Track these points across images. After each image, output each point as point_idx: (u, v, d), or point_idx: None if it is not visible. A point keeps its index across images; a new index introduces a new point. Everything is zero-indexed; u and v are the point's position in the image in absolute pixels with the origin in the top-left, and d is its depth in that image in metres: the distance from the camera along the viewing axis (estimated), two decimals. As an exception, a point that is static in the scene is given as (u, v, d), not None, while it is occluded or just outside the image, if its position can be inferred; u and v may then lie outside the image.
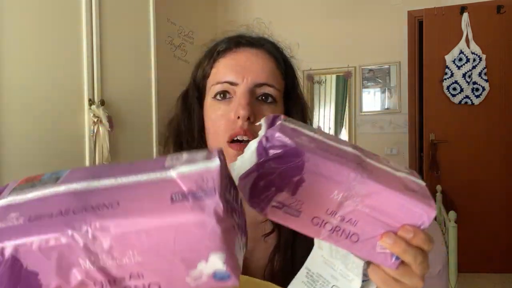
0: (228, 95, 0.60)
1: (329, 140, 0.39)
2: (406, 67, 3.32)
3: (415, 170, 3.39)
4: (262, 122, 0.40)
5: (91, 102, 1.60)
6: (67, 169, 0.33)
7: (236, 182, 0.36)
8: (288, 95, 0.65)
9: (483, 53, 2.99)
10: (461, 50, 3.03)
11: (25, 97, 1.37)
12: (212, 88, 0.61)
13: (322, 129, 0.43)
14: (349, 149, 0.38)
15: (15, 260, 0.27)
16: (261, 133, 0.38)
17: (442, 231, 2.29)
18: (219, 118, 0.60)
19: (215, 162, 0.29)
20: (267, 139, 0.36)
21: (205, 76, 0.65)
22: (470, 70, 3.01)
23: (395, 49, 3.34)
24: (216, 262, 0.27)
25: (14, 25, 1.34)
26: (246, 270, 0.61)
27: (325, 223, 0.37)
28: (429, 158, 3.15)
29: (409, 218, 0.37)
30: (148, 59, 2.04)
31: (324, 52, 3.53)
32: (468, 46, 3.01)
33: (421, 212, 0.37)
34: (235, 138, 0.57)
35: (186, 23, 2.94)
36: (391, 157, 3.35)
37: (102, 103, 1.65)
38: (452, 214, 1.96)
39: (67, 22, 1.54)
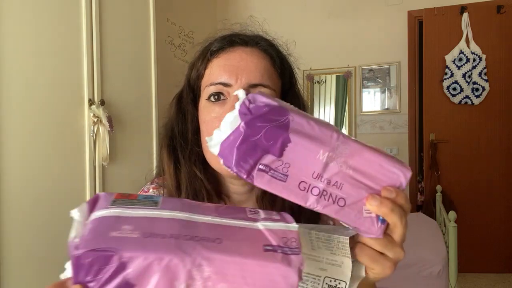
0: (222, 97, 0.58)
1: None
2: (406, 67, 3.32)
3: (415, 170, 3.40)
4: (239, 93, 0.41)
5: (91, 102, 1.60)
6: (150, 194, 0.42)
7: (215, 151, 0.37)
8: (285, 94, 0.64)
9: (483, 53, 2.99)
10: (461, 50, 3.03)
11: (25, 97, 1.37)
12: (206, 90, 0.60)
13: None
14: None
15: (123, 267, 0.29)
16: (239, 102, 0.38)
17: (442, 231, 2.30)
18: (213, 121, 0.58)
19: (294, 224, 0.35)
20: (249, 101, 0.37)
21: (199, 77, 0.63)
22: (470, 70, 3.01)
23: (395, 49, 3.34)
24: None
25: (14, 25, 1.34)
26: None
27: (312, 187, 0.37)
28: (429, 158, 3.15)
29: (389, 180, 0.38)
30: (148, 59, 2.04)
31: (324, 52, 3.53)
32: (468, 46, 3.01)
33: (398, 173, 0.38)
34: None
35: (186, 23, 2.94)
36: (391, 157, 3.36)
37: (102, 103, 1.65)
38: (452, 214, 1.96)
39: (67, 22, 1.54)
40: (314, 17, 3.57)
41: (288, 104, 0.39)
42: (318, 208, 0.37)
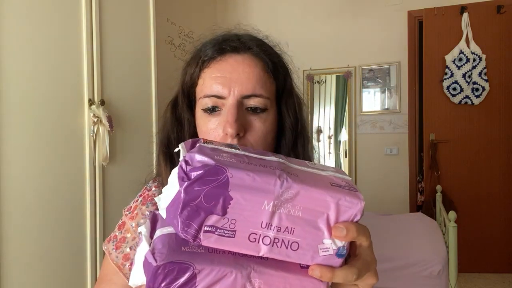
0: (217, 109, 0.59)
1: (251, 153, 0.40)
2: (406, 67, 3.32)
3: (415, 170, 3.40)
4: (180, 147, 0.40)
5: (91, 102, 1.60)
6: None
7: (164, 215, 0.38)
8: (280, 96, 0.63)
9: (483, 53, 3.00)
10: (461, 50, 3.03)
11: (25, 97, 1.37)
12: (201, 101, 0.60)
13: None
14: (273, 158, 0.40)
15: (193, 278, 0.35)
16: (181, 158, 0.38)
17: (442, 231, 2.30)
18: (209, 132, 0.59)
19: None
20: (186, 162, 0.36)
21: (193, 85, 0.63)
22: (470, 70, 3.01)
23: (395, 49, 3.34)
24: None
25: (14, 24, 1.34)
26: None
27: (263, 237, 0.36)
28: (429, 158, 3.15)
29: (341, 214, 0.37)
30: (148, 59, 2.04)
31: (324, 52, 3.53)
32: (468, 46, 3.01)
33: (349, 205, 0.37)
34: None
35: (186, 23, 2.94)
36: (391, 157, 3.36)
37: (102, 103, 1.65)
38: (452, 214, 1.96)
39: (67, 22, 1.54)
40: (314, 17, 3.57)
41: (227, 155, 0.38)
42: (273, 256, 0.37)
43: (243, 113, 0.58)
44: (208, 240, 0.36)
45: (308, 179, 0.38)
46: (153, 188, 0.68)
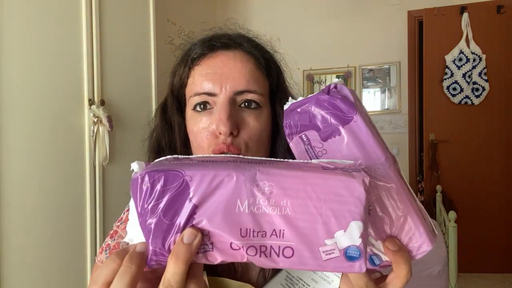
0: (208, 106, 0.55)
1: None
2: (406, 67, 3.32)
3: (415, 170, 3.39)
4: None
5: (91, 102, 1.60)
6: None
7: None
8: (274, 94, 0.60)
9: (483, 53, 2.99)
10: (461, 50, 3.03)
11: (25, 97, 1.37)
12: (191, 100, 0.57)
13: None
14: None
15: (186, 187, 0.29)
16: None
17: (442, 231, 2.29)
18: (201, 131, 0.55)
19: (350, 161, 0.33)
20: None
21: (183, 86, 0.60)
22: (470, 70, 3.01)
23: (395, 49, 3.34)
24: (353, 234, 0.29)
25: (13, 25, 1.34)
26: (242, 276, 0.61)
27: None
28: (429, 158, 3.15)
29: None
30: (148, 59, 2.04)
31: (324, 52, 3.53)
32: (468, 46, 3.01)
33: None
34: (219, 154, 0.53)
35: (186, 23, 2.94)
36: (391, 157, 3.36)
37: (102, 103, 1.65)
38: (452, 214, 1.96)
39: (67, 22, 1.54)
40: (314, 17, 3.57)
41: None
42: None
43: (236, 110, 0.55)
44: None
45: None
46: None
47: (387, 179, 0.35)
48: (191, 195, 0.30)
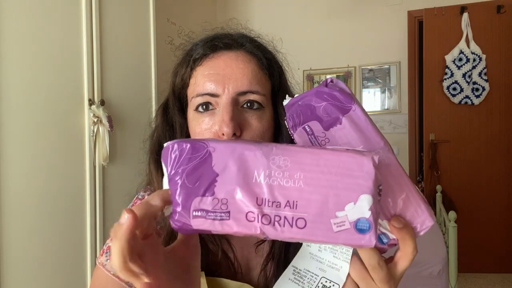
0: (210, 107, 0.55)
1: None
2: (406, 67, 3.32)
3: (415, 170, 3.39)
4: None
5: (91, 102, 1.60)
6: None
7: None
8: (276, 94, 0.60)
9: (483, 53, 2.99)
10: (461, 50, 3.03)
11: (25, 97, 1.37)
12: (193, 101, 0.57)
13: None
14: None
15: (209, 157, 0.33)
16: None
17: (442, 231, 2.29)
18: (203, 132, 0.56)
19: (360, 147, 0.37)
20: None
21: (184, 86, 0.60)
22: (470, 70, 3.01)
23: (395, 49, 3.34)
24: (363, 207, 0.31)
25: (13, 25, 1.34)
26: (242, 277, 0.61)
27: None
28: (429, 158, 3.15)
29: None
30: (148, 59, 2.04)
31: (324, 52, 3.53)
32: (468, 46, 3.01)
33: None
34: None
35: (186, 23, 2.94)
36: (391, 157, 3.35)
37: (102, 103, 1.65)
38: (452, 214, 1.96)
39: (67, 22, 1.54)
40: (314, 17, 3.57)
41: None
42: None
43: (239, 111, 0.55)
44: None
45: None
46: (146, 197, 0.64)
47: (388, 162, 0.38)
48: (213, 164, 0.33)
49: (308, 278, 0.43)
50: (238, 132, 0.54)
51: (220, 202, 0.32)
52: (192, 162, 0.33)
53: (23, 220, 1.35)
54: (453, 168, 3.11)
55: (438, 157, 3.13)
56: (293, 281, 0.43)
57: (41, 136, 1.42)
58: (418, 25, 3.31)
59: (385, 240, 0.39)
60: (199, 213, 0.33)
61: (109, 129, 1.63)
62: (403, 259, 0.39)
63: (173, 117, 0.62)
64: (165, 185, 0.35)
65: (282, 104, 0.59)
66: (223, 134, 0.53)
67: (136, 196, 0.67)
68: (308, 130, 0.41)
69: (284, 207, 0.32)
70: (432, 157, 3.13)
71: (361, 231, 0.32)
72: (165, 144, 0.34)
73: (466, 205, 3.02)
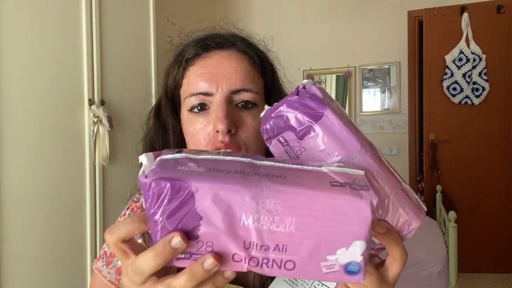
0: (205, 107, 0.55)
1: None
2: (406, 67, 3.32)
3: (415, 170, 3.39)
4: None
5: (91, 102, 1.60)
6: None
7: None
8: (268, 92, 0.60)
9: (483, 53, 3.00)
10: (461, 50, 3.03)
11: (25, 97, 1.37)
12: (187, 101, 0.56)
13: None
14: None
15: (191, 198, 0.30)
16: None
17: (442, 231, 2.30)
18: (197, 132, 0.55)
19: (360, 171, 0.33)
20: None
21: (177, 87, 0.60)
22: (470, 70, 3.01)
23: (395, 49, 3.34)
24: (355, 252, 0.30)
25: (14, 25, 1.34)
26: (238, 278, 0.60)
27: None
28: (429, 158, 3.15)
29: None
30: (148, 59, 2.04)
31: (324, 52, 3.53)
32: (468, 46, 3.01)
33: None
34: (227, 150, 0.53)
35: (186, 23, 2.94)
36: (391, 157, 3.36)
37: (102, 103, 1.65)
38: (452, 214, 1.96)
39: (67, 22, 1.54)
40: (314, 17, 3.57)
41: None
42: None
43: (233, 109, 0.55)
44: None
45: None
46: (141, 199, 0.64)
47: (365, 166, 0.36)
48: (196, 206, 0.30)
49: (301, 282, 0.43)
50: (233, 129, 0.54)
51: (205, 244, 0.31)
52: (173, 203, 0.30)
53: (23, 220, 1.35)
54: (453, 168, 3.11)
55: (438, 157, 3.13)
56: (287, 282, 0.43)
57: (41, 136, 1.42)
58: (418, 25, 3.31)
59: (372, 246, 0.38)
60: (183, 255, 0.31)
61: (109, 129, 1.63)
62: (393, 265, 0.38)
63: (165, 119, 0.62)
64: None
65: (275, 101, 0.60)
66: (217, 132, 0.53)
67: (132, 198, 0.67)
68: (283, 141, 0.40)
69: (273, 250, 0.30)
70: (432, 157, 3.13)
71: (351, 273, 0.31)
72: (141, 179, 0.30)
73: (466, 205, 3.02)
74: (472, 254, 2.97)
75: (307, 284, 0.42)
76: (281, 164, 0.33)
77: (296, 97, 0.39)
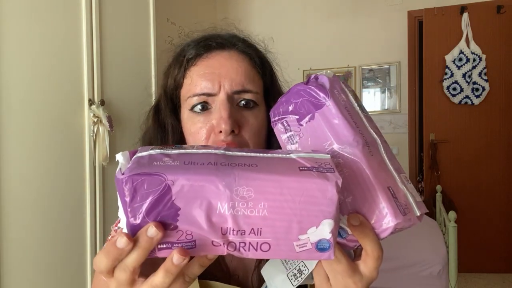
0: (207, 107, 0.56)
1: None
2: (406, 67, 3.32)
3: (415, 170, 3.39)
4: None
5: (91, 102, 1.60)
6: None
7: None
8: (268, 92, 0.61)
9: (483, 53, 3.00)
10: (461, 50, 3.03)
11: (25, 97, 1.37)
12: (188, 101, 0.57)
13: None
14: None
15: (168, 190, 0.31)
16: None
17: (442, 231, 2.30)
18: (199, 131, 0.56)
19: (326, 155, 0.36)
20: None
21: (178, 87, 0.60)
22: (470, 70, 3.01)
23: (395, 49, 3.34)
24: (324, 230, 0.32)
25: (13, 24, 1.34)
26: (236, 278, 0.60)
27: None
28: (429, 158, 3.15)
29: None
30: (148, 59, 2.04)
31: (324, 52, 3.53)
32: (468, 46, 3.01)
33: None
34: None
35: (186, 23, 2.94)
36: (391, 157, 3.35)
37: (102, 103, 1.65)
38: (452, 214, 1.96)
39: (67, 22, 1.54)
40: (314, 17, 3.57)
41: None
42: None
43: (235, 109, 0.56)
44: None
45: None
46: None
47: (352, 158, 0.38)
48: (173, 198, 0.31)
49: (290, 262, 0.45)
50: (237, 129, 0.54)
51: (185, 233, 0.32)
52: (150, 197, 0.31)
53: (23, 220, 1.35)
54: (453, 168, 3.11)
55: (438, 157, 3.13)
56: (282, 261, 0.45)
57: (41, 136, 1.42)
58: (418, 25, 3.31)
59: (343, 235, 0.39)
60: (164, 245, 0.33)
61: (109, 129, 1.63)
62: (368, 260, 0.39)
63: (165, 119, 0.62)
64: (120, 214, 0.34)
65: (274, 101, 0.60)
66: (220, 132, 0.54)
67: None
68: (285, 124, 0.44)
69: (249, 234, 0.32)
70: (432, 157, 3.13)
71: (322, 250, 0.33)
72: (117, 174, 0.32)
73: (466, 205, 3.02)
74: (472, 254, 2.97)
75: (295, 263, 0.44)
76: (252, 154, 0.35)
77: (303, 85, 0.43)
